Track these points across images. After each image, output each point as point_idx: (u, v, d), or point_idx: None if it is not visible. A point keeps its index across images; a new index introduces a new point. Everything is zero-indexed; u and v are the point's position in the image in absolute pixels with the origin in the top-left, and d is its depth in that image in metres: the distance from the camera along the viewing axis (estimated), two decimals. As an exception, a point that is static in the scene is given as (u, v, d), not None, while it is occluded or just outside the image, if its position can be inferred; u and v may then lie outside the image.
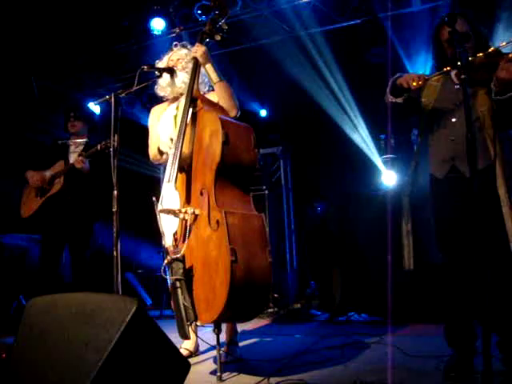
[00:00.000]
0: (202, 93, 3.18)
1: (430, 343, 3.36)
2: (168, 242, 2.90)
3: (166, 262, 2.82)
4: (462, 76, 2.09)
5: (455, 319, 2.60)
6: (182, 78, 3.23)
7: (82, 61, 6.94)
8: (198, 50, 3.06)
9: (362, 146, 6.29)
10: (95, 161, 4.06)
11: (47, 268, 4.19)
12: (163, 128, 3.23)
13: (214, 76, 3.08)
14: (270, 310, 5.40)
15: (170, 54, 3.38)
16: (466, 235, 2.37)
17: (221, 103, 3.07)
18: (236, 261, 2.58)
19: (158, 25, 6.53)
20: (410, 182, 2.77)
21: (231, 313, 2.69)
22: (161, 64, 3.35)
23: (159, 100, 3.48)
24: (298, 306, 5.41)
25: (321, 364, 3.01)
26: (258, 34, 6.24)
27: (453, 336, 2.61)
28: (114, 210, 2.79)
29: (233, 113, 3.05)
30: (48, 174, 4.23)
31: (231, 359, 3.16)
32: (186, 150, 2.93)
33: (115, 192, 2.81)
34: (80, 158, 4.01)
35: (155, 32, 6.58)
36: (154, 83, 3.39)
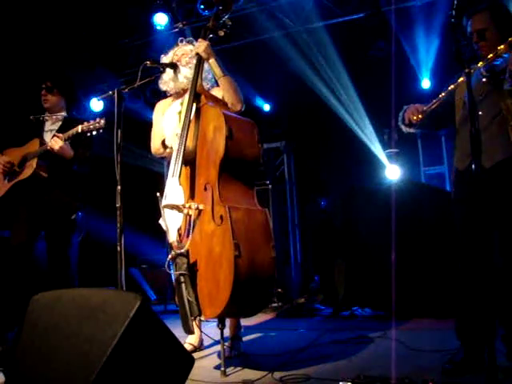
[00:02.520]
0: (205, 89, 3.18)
1: (433, 338, 3.36)
2: (172, 237, 2.90)
3: (170, 257, 2.83)
4: (466, 70, 2.07)
5: (469, 314, 2.56)
6: (185, 73, 3.22)
7: (84, 56, 6.94)
8: (201, 46, 3.06)
9: (366, 140, 6.27)
10: (76, 142, 3.55)
11: (19, 257, 3.62)
12: (168, 123, 3.23)
13: (217, 71, 3.07)
14: (273, 305, 5.41)
15: (176, 48, 3.38)
16: (481, 227, 2.33)
17: (225, 98, 3.06)
18: (240, 256, 2.59)
19: (160, 20, 6.52)
20: None
21: (235, 308, 2.70)
22: (166, 59, 3.35)
23: (162, 95, 3.47)
24: (302, 300, 5.42)
25: (325, 358, 3.02)
26: (262, 29, 6.22)
27: (464, 330, 2.58)
28: (117, 205, 2.79)
29: (238, 107, 3.04)
30: (19, 153, 3.71)
31: (235, 354, 3.17)
32: (189, 145, 2.93)
33: (118, 187, 2.81)
34: (56, 138, 3.45)
35: (158, 27, 6.57)
36: (158, 78, 3.39)
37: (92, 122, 3.36)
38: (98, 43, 6.78)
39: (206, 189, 2.81)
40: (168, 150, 3.24)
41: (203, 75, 3.18)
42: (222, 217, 2.68)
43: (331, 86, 6.35)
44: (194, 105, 2.97)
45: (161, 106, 3.42)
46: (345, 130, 6.33)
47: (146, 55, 6.52)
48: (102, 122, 3.34)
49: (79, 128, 3.37)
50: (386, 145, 5.89)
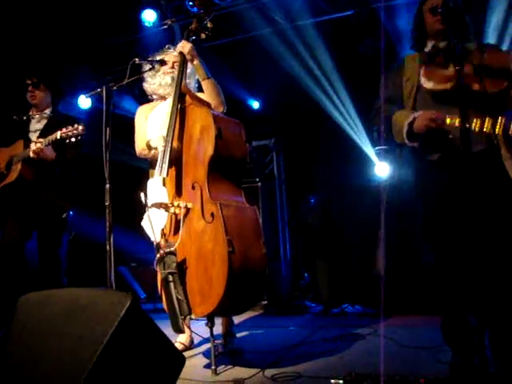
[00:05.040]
0: None
1: (423, 334, 3.38)
2: (158, 237, 2.89)
3: (158, 256, 2.82)
4: (457, 67, 2.08)
5: (451, 315, 2.55)
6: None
7: (72, 53, 6.88)
8: (185, 47, 3.10)
9: (355, 137, 6.28)
10: (61, 145, 3.49)
11: (9, 256, 3.62)
12: (153, 125, 3.23)
13: (201, 73, 3.13)
14: (263, 303, 5.41)
15: (162, 55, 3.36)
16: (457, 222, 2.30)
17: (209, 100, 3.09)
18: (233, 251, 2.62)
19: (149, 16, 6.47)
20: None
21: (228, 304, 2.70)
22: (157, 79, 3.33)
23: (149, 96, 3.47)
24: (292, 298, 5.42)
25: (316, 356, 3.02)
26: (251, 26, 6.20)
27: (450, 334, 2.55)
28: (106, 203, 2.77)
29: (220, 109, 3.10)
30: (6, 154, 3.70)
31: (229, 349, 3.18)
32: (175, 145, 2.95)
33: (107, 185, 2.79)
34: (37, 146, 3.42)
35: (146, 24, 6.52)
36: (146, 77, 3.38)
37: (71, 127, 3.34)
38: (86, 40, 6.72)
39: (193, 188, 2.83)
40: (153, 152, 3.22)
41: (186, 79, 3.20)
42: (213, 214, 2.70)
43: (321, 83, 6.34)
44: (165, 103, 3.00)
45: (143, 109, 3.42)
46: (334, 128, 6.33)
47: (134, 52, 6.48)
48: (81, 128, 3.33)
49: (58, 134, 3.35)
50: (375, 142, 5.90)
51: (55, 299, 1.95)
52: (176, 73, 3.19)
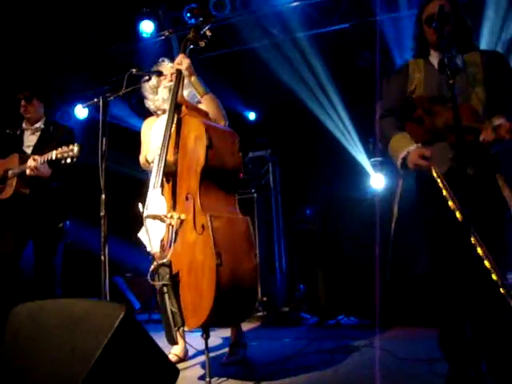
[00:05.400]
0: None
1: (419, 346, 3.36)
2: (154, 248, 2.88)
3: (152, 267, 2.80)
4: (451, 81, 2.09)
5: (449, 328, 2.54)
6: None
7: (70, 63, 6.89)
8: (183, 63, 3.08)
9: (351, 148, 6.31)
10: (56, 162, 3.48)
11: (5, 266, 3.63)
12: (154, 138, 3.25)
13: (200, 89, 3.12)
14: (259, 314, 5.38)
15: (160, 67, 3.37)
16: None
17: (209, 115, 3.08)
18: (221, 264, 2.59)
19: (147, 27, 6.52)
20: None
21: (218, 316, 2.68)
22: (152, 80, 3.33)
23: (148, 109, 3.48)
24: (287, 309, 5.40)
25: (311, 368, 3.00)
26: (247, 38, 6.25)
27: (447, 346, 2.51)
28: (101, 214, 2.76)
29: (221, 123, 3.09)
30: (1, 167, 3.72)
31: (233, 360, 3.18)
32: (171, 156, 2.94)
33: (103, 196, 2.79)
34: (33, 164, 3.47)
35: (144, 34, 6.56)
36: (143, 86, 3.39)
37: (66, 148, 3.35)
38: (84, 49, 6.74)
39: (187, 198, 2.82)
40: (152, 165, 3.23)
41: (185, 92, 3.21)
42: (203, 226, 2.68)
43: (317, 95, 6.38)
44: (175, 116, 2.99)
45: (148, 122, 3.45)
46: (330, 139, 6.35)
47: (131, 62, 6.50)
48: (76, 150, 3.34)
49: (53, 154, 3.38)
50: (370, 154, 5.92)
51: (48, 310, 1.94)
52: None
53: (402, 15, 5.55)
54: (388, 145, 2.55)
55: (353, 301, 4.66)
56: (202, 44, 3.20)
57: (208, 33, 3.19)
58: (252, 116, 7.60)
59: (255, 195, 5.88)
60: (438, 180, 2.31)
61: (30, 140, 3.82)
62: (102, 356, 1.70)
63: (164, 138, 2.93)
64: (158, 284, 2.77)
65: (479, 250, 2.20)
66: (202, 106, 3.18)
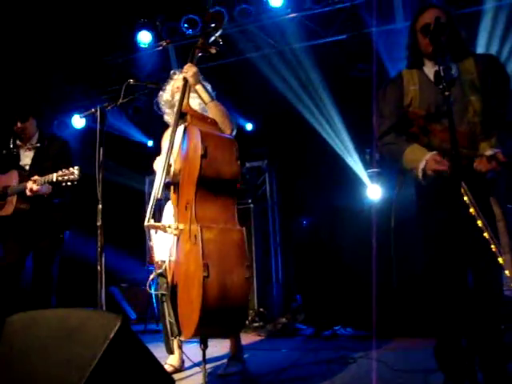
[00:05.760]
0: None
1: (415, 357, 3.36)
2: (158, 256, 2.89)
3: (151, 276, 2.81)
4: (446, 93, 2.09)
5: (445, 339, 2.54)
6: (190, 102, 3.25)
7: (68, 73, 6.92)
8: (189, 71, 3.07)
9: (348, 159, 6.32)
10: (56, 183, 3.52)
11: (9, 276, 3.70)
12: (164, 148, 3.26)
13: (205, 97, 3.09)
14: (255, 325, 5.37)
15: (172, 82, 3.38)
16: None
17: None
18: (208, 276, 2.54)
19: (144, 38, 6.55)
20: None
21: (206, 328, 2.63)
22: (166, 94, 3.36)
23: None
24: (284, 320, 5.38)
25: (307, 379, 2.99)
26: (245, 48, 6.28)
27: (443, 357, 2.52)
28: (98, 224, 2.76)
29: (227, 132, 3.02)
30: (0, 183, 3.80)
31: (228, 372, 3.16)
32: (178, 166, 2.93)
33: (99, 206, 2.79)
34: (34, 187, 3.51)
35: (142, 45, 6.59)
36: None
37: (67, 171, 3.38)
38: (81, 59, 6.76)
39: (186, 208, 2.80)
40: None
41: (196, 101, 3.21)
42: (195, 236, 2.65)
43: (314, 105, 6.41)
44: (182, 126, 2.98)
45: (166, 133, 3.44)
46: (327, 150, 6.37)
47: (129, 72, 6.53)
48: (76, 173, 3.37)
49: (54, 177, 3.42)
50: (367, 164, 5.94)
51: (43, 321, 1.93)
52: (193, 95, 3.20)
53: (398, 27, 5.61)
54: (401, 159, 2.52)
55: (349, 312, 4.65)
56: (213, 51, 3.14)
57: (218, 38, 3.15)
58: (249, 127, 7.62)
59: (252, 205, 5.89)
60: (463, 187, 2.28)
61: (26, 156, 3.88)
62: (97, 367, 1.68)
63: (168, 147, 2.92)
64: (157, 293, 2.78)
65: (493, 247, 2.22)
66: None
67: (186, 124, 2.95)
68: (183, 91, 3.06)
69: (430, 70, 2.53)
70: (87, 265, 4.83)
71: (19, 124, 3.83)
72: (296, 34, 6.04)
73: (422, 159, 2.42)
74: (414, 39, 2.59)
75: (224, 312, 2.62)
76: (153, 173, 3.29)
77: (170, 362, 3.31)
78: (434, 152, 2.40)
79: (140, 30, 6.55)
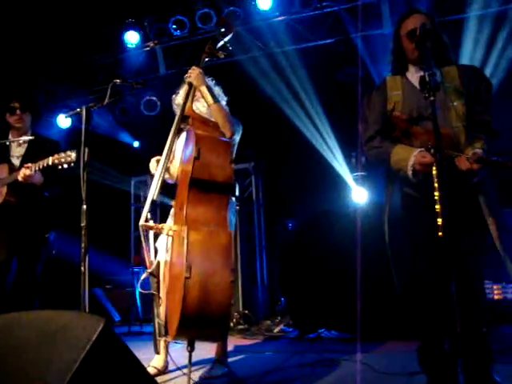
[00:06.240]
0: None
1: (399, 360, 3.37)
2: (153, 256, 2.94)
3: (143, 276, 2.87)
4: (432, 98, 2.11)
5: (429, 341, 2.55)
6: (198, 106, 3.28)
7: (54, 72, 6.86)
8: (192, 73, 3.11)
9: (334, 163, 6.35)
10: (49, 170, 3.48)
11: None
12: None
13: (208, 98, 3.11)
14: (240, 327, 5.36)
15: (185, 86, 3.35)
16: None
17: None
18: (189, 277, 2.54)
19: (132, 38, 6.52)
20: None
21: (187, 330, 2.62)
22: (179, 97, 3.35)
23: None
24: (269, 322, 5.39)
25: (292, 382, 2.99)
26: (233, 51, 6.27)
27: (426, 359, 2.53)
28: (82, 225, 2.74)
29: (227, 134, 3.00)
30: None
31: (212, 375, 3.15)
32: (179, 168, 3.00)
33: (84, 207, 2.77)
34: (27, 171, 3.45)
35: (129, 45, 6.57)
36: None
37: (63, 154, 3.33)
38: (68, 59, 6.72)
39: (180, 210, 2.83)
40: (168, 176, 3.31)
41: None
42: (183, 237, 2.67)
43: (300, 108, 6.43)
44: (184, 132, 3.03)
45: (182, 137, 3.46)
46: (313, 153, 6.40)
47: (116, 73, 6.50)
48: (73, 156, 3.32)
49: (50, 160, 3.34)
50: (353, 168, 5.97)
51: (24, 323, 1.90)
52: (196, 98, 3.21)
53: (385, 32, 5.66)
54: (389, 160, 2.51)
55: (334, 314, 4.66)
56: (221, 56, 3.22)
57: (228, 44, 3.22)
58: (236, 128, 7.62)
59: (238, 208, 5.89)
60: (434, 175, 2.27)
61: (16, 151, 3.82)
62: (78, 370, 1.66)
63: (167, 149, 2.97)
64: (148, 293, 2.81)
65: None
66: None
67: (188, 127, 2.98)
68: (186, 95, 3.10)
69: (413, 75, 2.56)
70: (71, 266, 4.78)
71: (18, 112, 3.79)
72: (284, 37, 6.06)
73: (409, 157, 2.44)
74: (398, 44, 2.60)
75: (205, 314, 2.60)
76: (138, 174, 3.30)
77: (153, 364, 3.29)
78: (421, 148, 2.42)
79: (128, 30, 6.52)
